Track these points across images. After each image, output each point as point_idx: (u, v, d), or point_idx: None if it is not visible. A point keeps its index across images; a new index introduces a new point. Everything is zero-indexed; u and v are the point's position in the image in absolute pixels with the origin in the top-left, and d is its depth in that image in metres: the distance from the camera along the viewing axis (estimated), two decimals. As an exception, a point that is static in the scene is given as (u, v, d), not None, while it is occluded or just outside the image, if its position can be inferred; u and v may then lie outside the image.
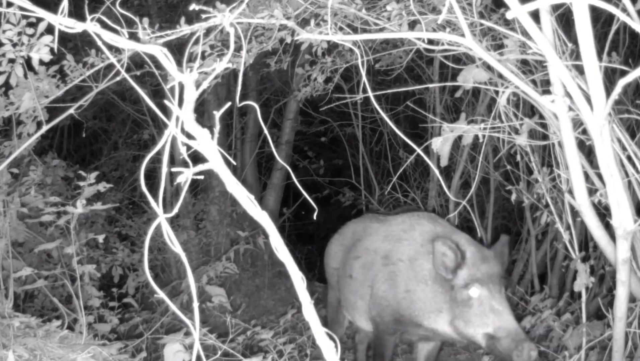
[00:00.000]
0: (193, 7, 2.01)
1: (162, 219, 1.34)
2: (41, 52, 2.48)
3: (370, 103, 3.26)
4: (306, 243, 7.63)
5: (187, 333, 2.57)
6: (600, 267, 3.78)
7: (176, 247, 1.36)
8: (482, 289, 2.74)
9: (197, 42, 2.35)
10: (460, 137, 2.70)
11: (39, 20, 2.39)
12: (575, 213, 2.87)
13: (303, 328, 4.12)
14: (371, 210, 5.93)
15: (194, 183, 6.00)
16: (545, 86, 2.70)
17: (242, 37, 2.15)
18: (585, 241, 3.90)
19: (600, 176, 2.39)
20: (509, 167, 4.14)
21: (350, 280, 3.44)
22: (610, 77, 3.16)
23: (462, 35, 2.01)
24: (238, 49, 2.70)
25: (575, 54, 2.48)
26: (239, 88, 1.81)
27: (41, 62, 2.58)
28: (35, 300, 4.02)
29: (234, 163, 6.14)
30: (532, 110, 3.27)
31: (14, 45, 2.50)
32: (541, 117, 2.78)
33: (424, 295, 2.94)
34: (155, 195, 1.41)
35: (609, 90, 1.93)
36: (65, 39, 2.66)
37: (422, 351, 3.46)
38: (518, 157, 3.23)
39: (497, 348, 2.68)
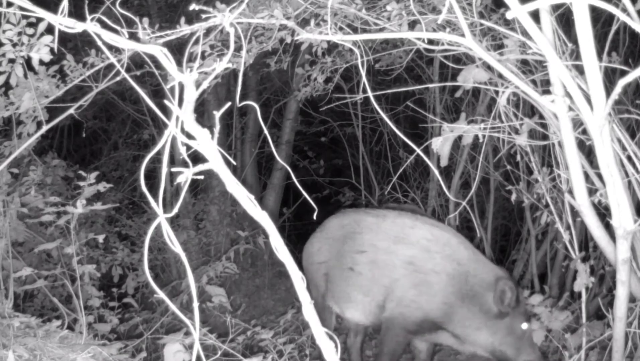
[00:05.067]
0: (193, 7, 2.01)
1: (162, 219, 1.34)
2: (41, 52, 2.48)
3: (370, 103, 3.26)
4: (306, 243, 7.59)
5: (187, 333, 2.57)
6: (600, 267, 3.78)
7: (176, 247, 1.36)
8: (527, 323, 3.24)
9: (197, 42, 2.35)
10: (460, 137, 2.70)
11: (39, 20, 2.39)
12: (575, 213, 2.87)
13: (303, 328, 4.13)
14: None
15: (194, 183, 5.99)
16: (545, 86, 2.70)
17: (242, 37, 2.15)
18: (585, 241, 3.90)
19: (600, 176, 2.39)
20: (509, 167, 4.13)
21: (352, 273, 3.46)
22: (610, 77, 3.15)
23: (462, 35, 2.01)
24: (238, 49, 2.70)
25: (575, 54, 2.48)
26: (239, 88, 1.81)
27: (41, 62, 2.58)
28: (35, 300, 4.02)
29: (234, 163, 6.13)
30: (532, 110, 3.27)
31: (14, 45, 2.50)
32: (541, 117, 2.78)
33: (461, 311, 3.24)
34: (155, 195, 1.41)
35: (609, 90, 1.93)
36: (65, 39, 2.66)
37: (423, 347, 3.61)
38: (518, 157, 3.24)
39: None
